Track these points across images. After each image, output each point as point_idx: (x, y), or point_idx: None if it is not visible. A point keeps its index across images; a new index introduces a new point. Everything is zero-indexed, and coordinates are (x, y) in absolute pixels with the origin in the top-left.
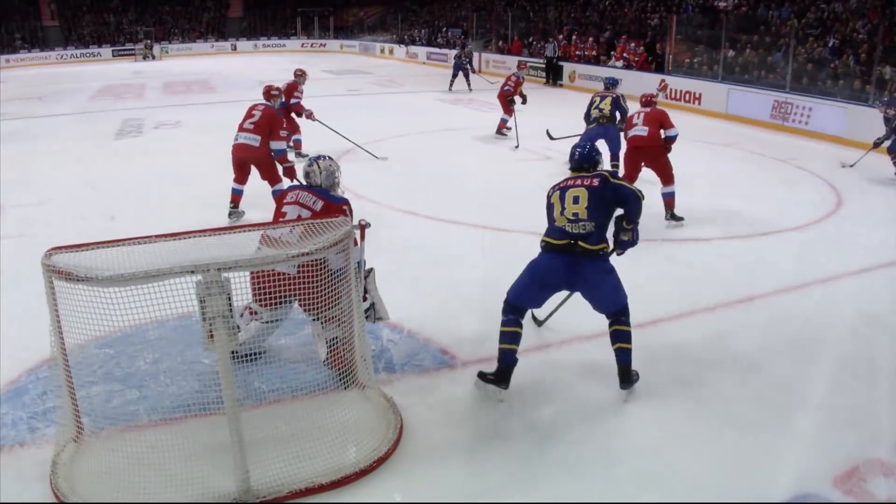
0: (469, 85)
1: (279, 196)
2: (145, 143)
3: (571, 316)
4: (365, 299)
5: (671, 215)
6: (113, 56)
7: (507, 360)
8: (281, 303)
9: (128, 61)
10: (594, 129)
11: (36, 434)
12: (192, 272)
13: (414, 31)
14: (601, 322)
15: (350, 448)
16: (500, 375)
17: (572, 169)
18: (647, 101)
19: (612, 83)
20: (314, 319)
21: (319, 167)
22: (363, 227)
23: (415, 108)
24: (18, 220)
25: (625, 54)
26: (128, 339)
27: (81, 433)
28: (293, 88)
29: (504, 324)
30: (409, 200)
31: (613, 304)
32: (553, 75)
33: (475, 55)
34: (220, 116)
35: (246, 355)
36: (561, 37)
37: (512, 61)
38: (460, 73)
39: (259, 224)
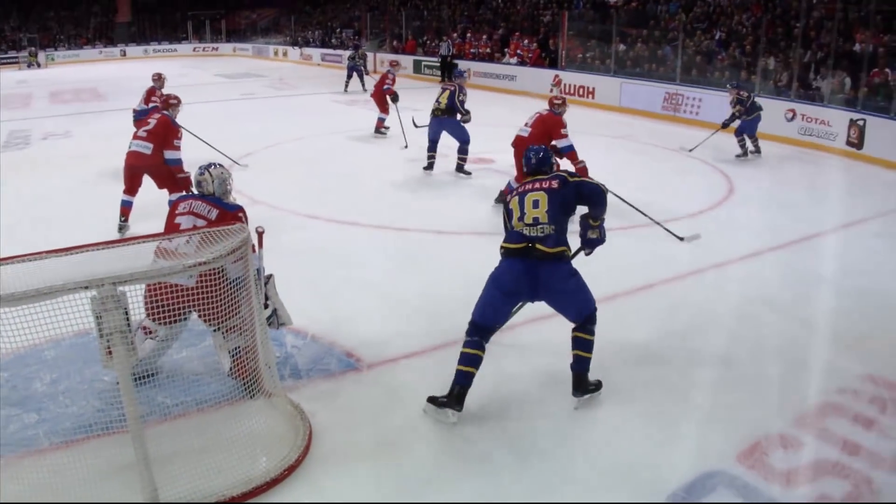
0: (363, 86)
1: (171, 207)
2: (33, 154)
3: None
4: (266, 306)
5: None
6: None
7: (463, 382)
8: (178, 317)
9: (11, 69)
10: (433, 120)
11: None
12: (87, 287)
13: (308, 33)
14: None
15: (260, 457)
16: (456, 398)
17: (528, 173)
18: (549, 103)
19: (458, 74)
20: (215, 330)
21: (211, 175)
22: (260, 234)
23: (311, 110)
24: None
25: (518, 51)
26: (22, 361)
27: None
28: (152, 94)
29: (466, 345)
30: (308, 204)
31: (582, 309)
32: (448, 73)
33: (370, 55)
34: (111, 125)
35: (143, 375)
36: (455, 35)
37: (407, 60)
38: (354, 75)
39: (154, 235)
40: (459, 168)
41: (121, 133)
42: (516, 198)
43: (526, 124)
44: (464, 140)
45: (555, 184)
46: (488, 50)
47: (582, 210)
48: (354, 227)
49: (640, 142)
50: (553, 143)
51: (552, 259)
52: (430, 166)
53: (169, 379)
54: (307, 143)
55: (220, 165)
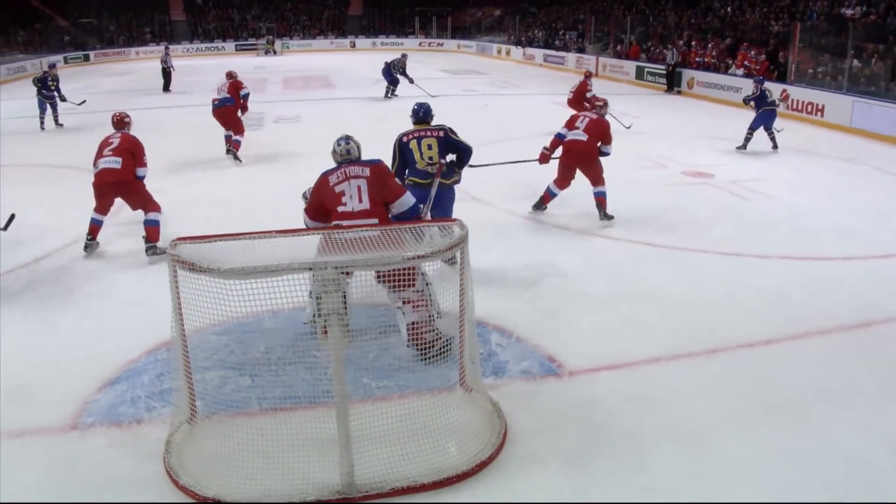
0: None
1: (321, 184)
2: (266, 136)
3: (665, 336)
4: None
5: (603, 214)
6: (236, 50)
7: None
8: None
9: (250, 56)
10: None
11: (152, 413)
12: (311, 269)
13: (531, 33)
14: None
15: (453, 450)
16: None
17: (416, 122)
18: (591, 104)
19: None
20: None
21: (355, 143)
22: (441, 165)
23: (529, 111)
24: None
25: (745, 62)
26: (242, 328)
27: (195, 416)
28: (239, 86)
29: None
30: (518, 205)
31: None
32: (672, 82)
33: (592, 59)
34: (338, 112)
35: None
36: (680, 42)
37: (630, 66)
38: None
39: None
40: (452, 132)
41: (346, 121)
42: (414, 140)
43: (577, 128)
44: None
45: (441, 134)
46: (713, 60)
47: None
48: (565, 233)
49: (870, 166)
50: (600, 146)
51: (448, 188)
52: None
53: (375, 361)
54: (526, 143)
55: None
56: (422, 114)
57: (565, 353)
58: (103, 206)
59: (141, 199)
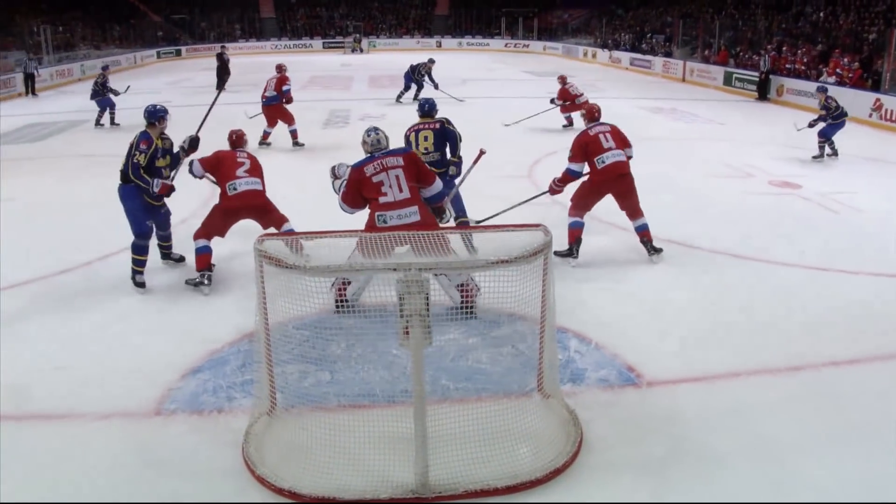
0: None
1: (357, 174)
2: (350, 134)
3: (746, 350)
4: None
5: (652, 249)
6: (323, 48)
7: None
8: None
9: (337, 53)
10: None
11: (233, 403)
12: (395, 270)
13: (618, 36)
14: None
15: (527, 456)
16: None
17: (421, 116)
18: (589, 115)
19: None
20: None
21: (383, 133)
22: (482, 152)
23: (615, 115)
24: None
25: (838, 69)
26: (324, 323)
27: (275, 407)
28: (284, 81)
29: None
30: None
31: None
32: (765, 90)
33: (679, 63)
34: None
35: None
36: (770, 48)
37: (718, 71)
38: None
39: (460, 228)
40: (449, 122)
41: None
42: (413, 133)
43: (608, 148)
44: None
45: (437, 125)
46: (804, 67)
47: None
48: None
49: None
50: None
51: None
52: None
53: (454, 363)
54: None
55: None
56: (427, 108)
57: (644, 362)
58: (224, 229)
59: (276, 216)
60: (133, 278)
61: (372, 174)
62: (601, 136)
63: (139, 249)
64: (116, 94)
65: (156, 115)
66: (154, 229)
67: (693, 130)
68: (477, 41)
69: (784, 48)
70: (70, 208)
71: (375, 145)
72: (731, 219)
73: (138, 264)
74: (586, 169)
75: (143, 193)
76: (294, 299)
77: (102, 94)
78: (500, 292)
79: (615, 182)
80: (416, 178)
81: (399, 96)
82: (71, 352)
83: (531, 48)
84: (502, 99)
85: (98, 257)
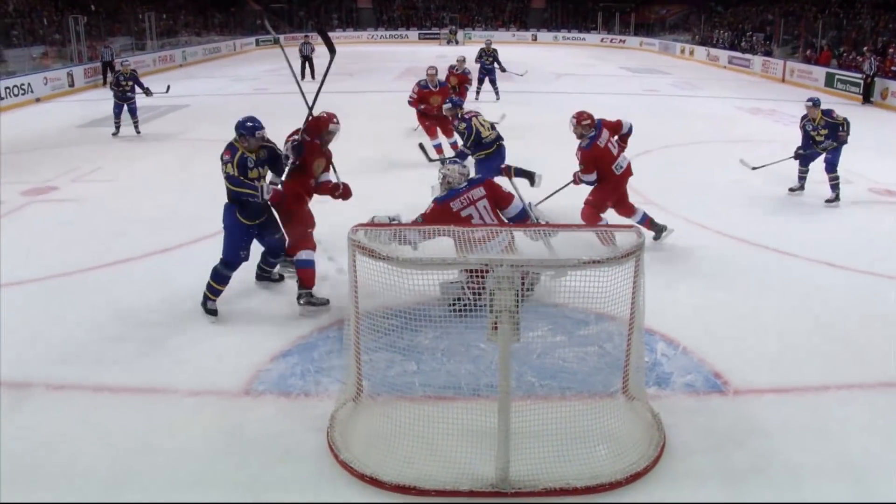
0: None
1: (441, 211)
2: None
3: (838, 364)
4: None
5: (659, 228)
6: (419, 39)
7: None
8: None
9: (432, 44)
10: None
11: (319, 388)
12: (486, 265)
13: (716, 33)
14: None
15: (608, 457)
16: None
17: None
18: (578, 121)
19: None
20: None
21: (455, 169)
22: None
23: (712, 115)
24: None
25: None
26: (413, 314)
27: (360, 394)
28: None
29: None
30: (696, 212)
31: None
32: (869, 93)
33: (779, 63)
34: (516, 106)
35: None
36: (873, 49)
37: (819, 72)
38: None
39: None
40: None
41: (525, 115)
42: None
43: (619, 156)
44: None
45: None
46: None
47: None
48: (741, 246)
49: None
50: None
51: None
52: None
53: (540, 360)
54: (701, 148)
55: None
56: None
57: (732, 370)
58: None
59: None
60: (204, 304)
61: (460, 209)
62: (609, 145)
63: (220, 278)
64: (149, 93)
65: (241, 130)
66: (243, 261)
67: (793, 133)
68: (573, 35)
69: (890, 50)
70: (172, 189)
71: (461, 181)
72: (828, 227)
73: (213, 292)
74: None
75: (243, 212)
76: (385, 289)
77: (122, 94)
78: (590, 292)
79: (623, 183)
80: (496, 203)
81: (477, 92)
82: (169, 329)
83: (627, 44)
84: (599, 95)
85: (197, 238)
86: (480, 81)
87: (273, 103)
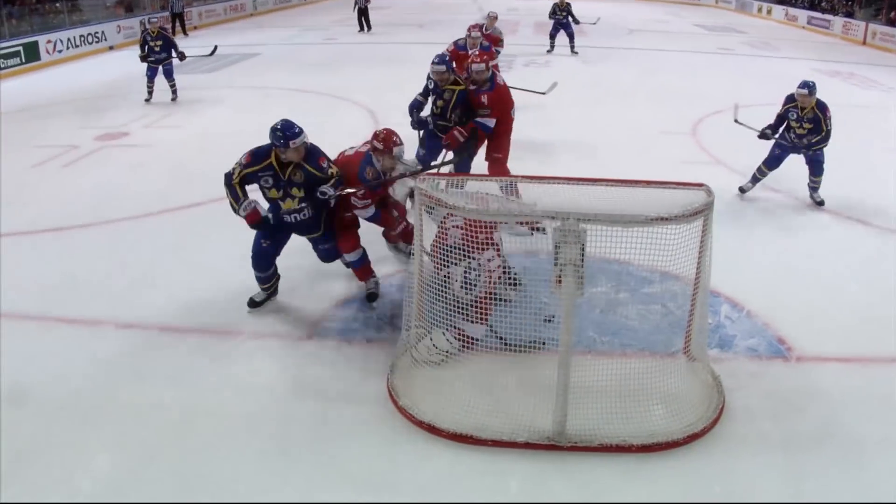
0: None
1: None
2: (512, 80)
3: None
4: None
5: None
6: None
7: None
8: None
9: None
10: None
11: (382, 334)
12: (553, 218)
13: None
14: None
15: (666, 417)
16: None
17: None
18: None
19: None
20: None
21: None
22: None
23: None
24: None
25: None
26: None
27: (421, 342)
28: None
29: None
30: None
31: None
32: None
33: (860, 25)
34: (586, 62)
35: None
36: None
37: None
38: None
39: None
40: None
41: (595, 71)
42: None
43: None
44: None
45: None
46: None
47: None
48: (813, 213)
49: None
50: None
51: None
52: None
53: (602, 316)
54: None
55: None
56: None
57: (796, 336)
58: None
59: None
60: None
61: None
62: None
63: (253, 264)
64: (183, 56)
65: (273, 139)
66: (275, 256)
67: (872, 98)
68: None
69: None
70: (243, 137)
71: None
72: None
73: (256, 280)
74: None
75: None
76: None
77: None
78: (655, 250)
79: None
80: None
81: (550, 48)
82: (234, 276)
83: (703, 1)
84: (676, 53)
85: None
86: (552, 37)
87: (342, 52)
